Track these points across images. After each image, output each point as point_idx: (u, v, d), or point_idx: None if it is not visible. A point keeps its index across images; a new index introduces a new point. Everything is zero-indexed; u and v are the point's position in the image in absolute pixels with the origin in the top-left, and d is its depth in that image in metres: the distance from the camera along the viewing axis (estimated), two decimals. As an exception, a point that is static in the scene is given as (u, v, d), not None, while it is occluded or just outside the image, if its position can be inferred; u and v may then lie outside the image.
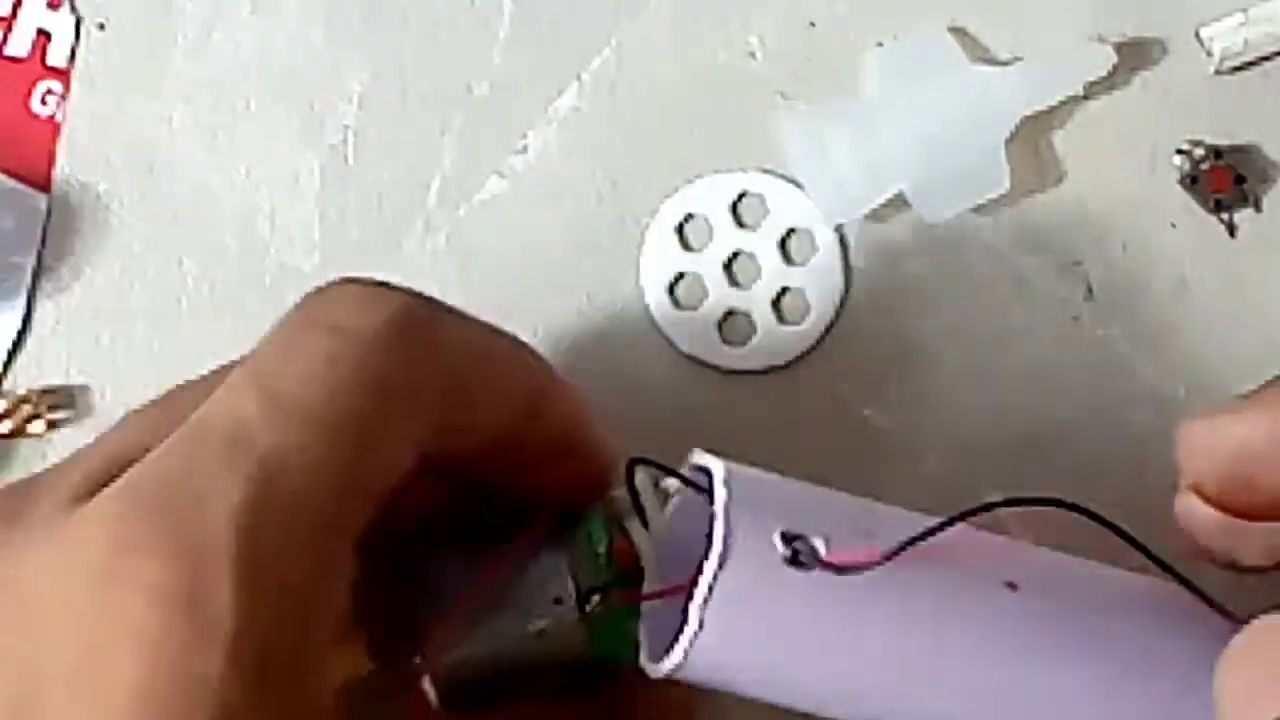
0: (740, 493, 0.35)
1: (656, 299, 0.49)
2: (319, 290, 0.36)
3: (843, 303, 0.49)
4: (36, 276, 0.50)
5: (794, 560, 0.34)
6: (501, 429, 0.37)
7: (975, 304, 0.49)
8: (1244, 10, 0.49)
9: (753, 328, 0.49)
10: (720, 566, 0.34)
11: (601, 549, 0.38)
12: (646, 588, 0.37)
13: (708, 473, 0.36)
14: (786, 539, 0.34)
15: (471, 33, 0.51)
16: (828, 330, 0.49)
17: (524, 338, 0.49)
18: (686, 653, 0.34)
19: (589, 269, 0.50)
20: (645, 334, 0.49)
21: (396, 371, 0.34)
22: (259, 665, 0.30)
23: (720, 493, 0.35)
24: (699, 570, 0.34)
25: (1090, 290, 0.49)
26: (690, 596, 0.34)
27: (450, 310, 0.37)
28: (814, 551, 0.34)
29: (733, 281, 0.49)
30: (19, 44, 0.50)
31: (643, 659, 0.36)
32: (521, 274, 0.50)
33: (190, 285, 0.50)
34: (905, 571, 0.34)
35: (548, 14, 0.51)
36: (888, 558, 0.34)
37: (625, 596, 0.37)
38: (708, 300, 0.49)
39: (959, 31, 0.50)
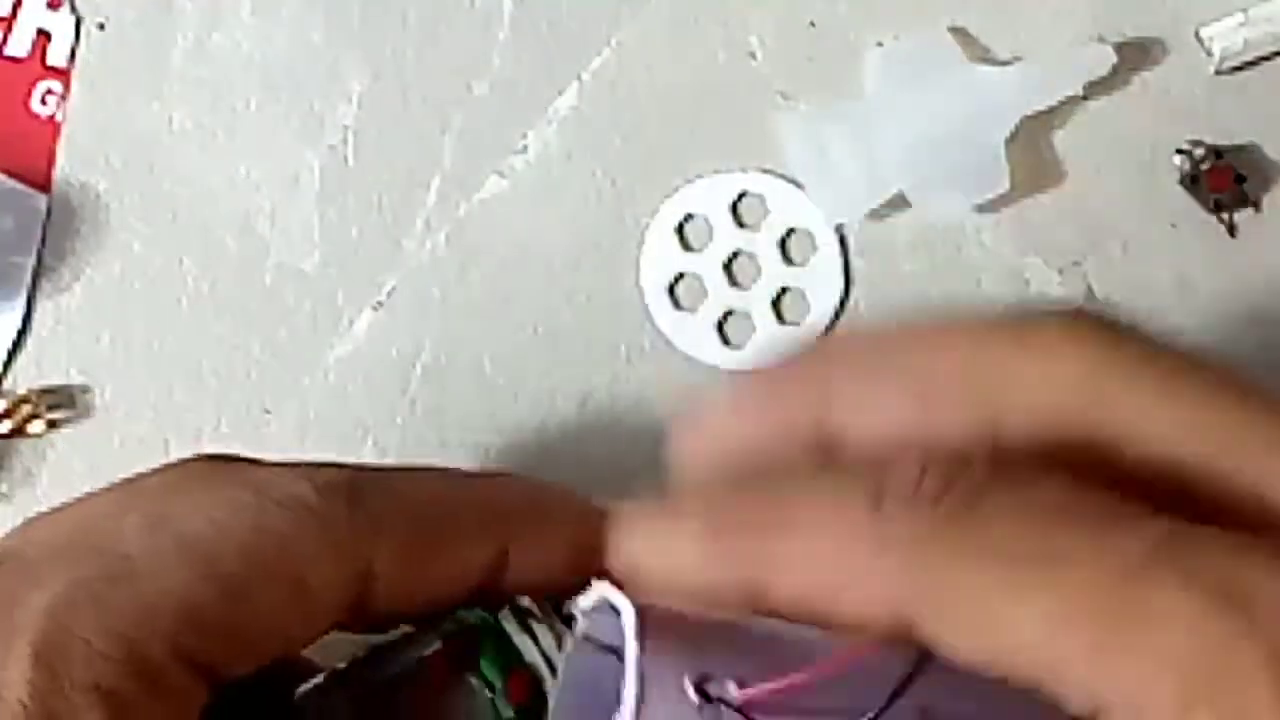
0: (650, 638, 0.33)
1: (656, 299, 0.49)
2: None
3: (843, 303, 0.49)
4: (36, 276, 0.50)
5: (705, 705, 0.33)
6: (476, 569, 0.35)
7: (975, 304, 0.49)
8: (1244, 10, 0.49)
9: (753, 328, 0.49)
10: (635, 716, 0.32)
11: (498, 688, 0.35)
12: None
13: (612, 609, 0.35)
14: (698, 686, 0.33)
15: (471, 33, 0.51)
16: (828, 330, 0.49)
17: (524, 337, 0.50)
18: None
19: (589, 269, 0.50)
20: (645, 334, 0.49)
21: (299, 538, 0.33)
22: None
23: (631, 646, 0.33)
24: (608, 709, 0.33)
25: (1090, 290, 0.49)
26: None
27: (392, 484, 0.36)
28: (724, 696, 0.33)
29: (733, 281, 0.49)
30: (19, 44, 0.50)
31: None
32: (521, 274, 0.50)
33: (190, 285, 0.50)
34: (815, 698, 0.33)
35: (548, 14, 0.51)
36: (795, 687, 0.33)
37: None
38: (708, 300, 0.49)
39: (959, 31, 0.50)
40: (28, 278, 0.50)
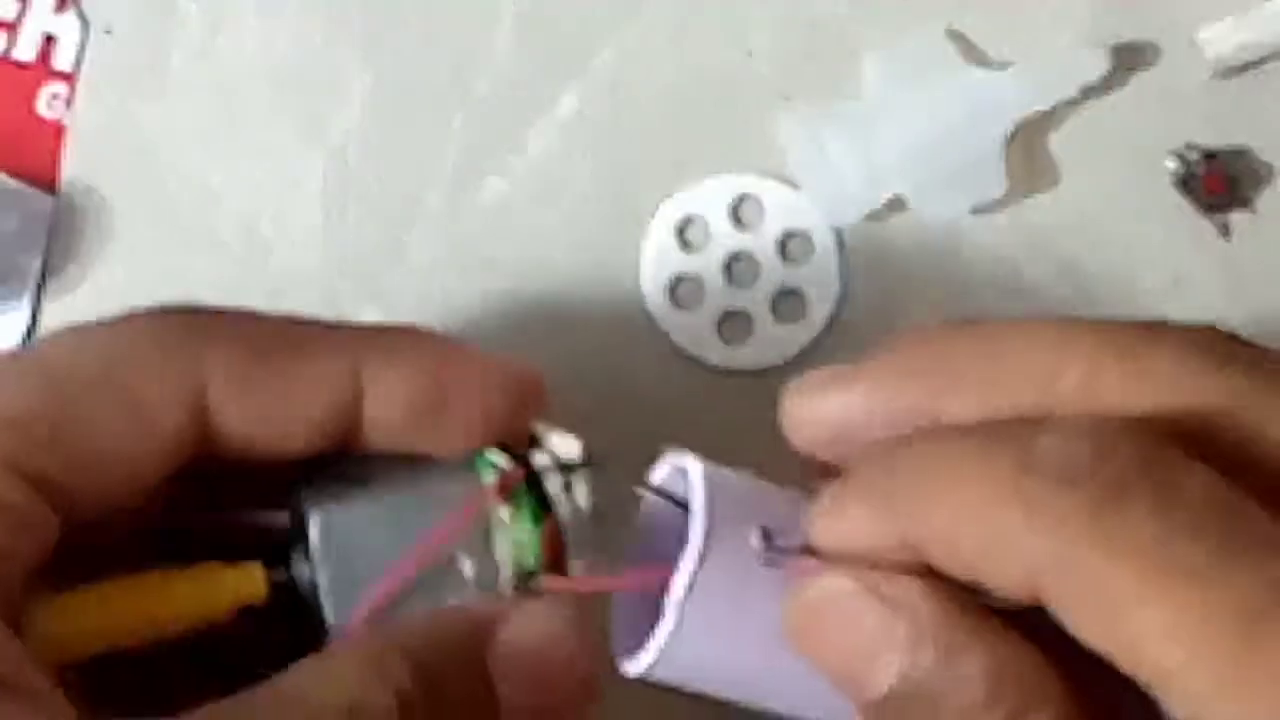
0: (717, 490, 0.34)
1: (656, 299, 0.50)
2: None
3: (842, 303, 0.49)
4: (42, 277, 0.50)
5: (770, 557, 0.34)
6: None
7: (972, 305, 0.49)
8: (1239, 14, 0.49)
9: (752, 328, 0.50)
10: (700, 563, 0.33)
11: (531, 534, 0.36)
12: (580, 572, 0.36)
13: (681, 471, 0.35)
14: (764, 535, 0.34)
15: (471, 33, 0.51)
16: (827, 330, 0.49)
17: (524, 337, 0.50)
18: (662, 650, 0.33)
19: (589, 269, 0.50)
20: (645, 334, 0.49)
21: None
22: None
23: (699, 487, 0.34)
24: (668, 567, 0.34)
25: (1086, 291, 0.49)
26: (663, 592, 0.33)
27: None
28: (789, 548, 0.34)
29: (732, 282, 0.50)
30: (25, 48, 0.51)
31: (615, 656, 0.35)
32: (521, 274, 0.50)
33: (194, 285, 0.50)
34: None
35: (548, 14, 0.51)
36: None
37: (554, 583, 0.36)
38: (707, 300, 0.50)
39: (957, 35, 0.50)
40: (34, 278, 0.50)
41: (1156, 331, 0.31)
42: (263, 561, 0.35)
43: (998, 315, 0.49)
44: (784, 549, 0.34)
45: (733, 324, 0.50)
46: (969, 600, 0.30)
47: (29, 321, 0.50)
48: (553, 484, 0.37)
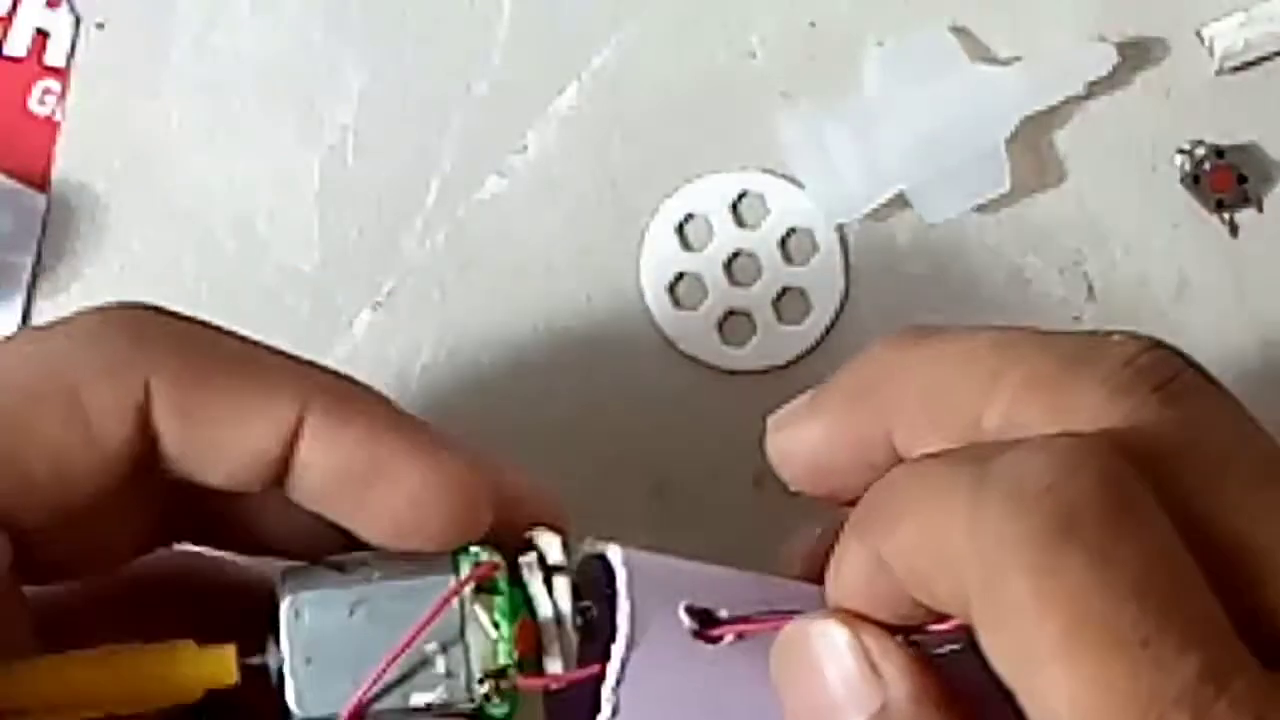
0: (641, 571, 0.34)
1: (656, 299, 0.49)
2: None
3: (843, 303, 0.49)
4: (35, 276, 0.50)
5: (701, 632, 0.34)
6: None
7: (975, 304, 0.49)
8: (1245, 10, 0.49)
9: (753, 328, 0.49)
10: (629, 647, 0.33)
11: (505, 630, 0.35)
12: (549, 669, 0.35)
13: (603, 560, 0.35)
14: (692, 612, 0.34)
15: (471, 33, 0.51)
16: (828, 330, 0.49)
17: (524, 337, 0.49)
18: None
19: (589, 269, 0.50)
20: (645, 334, 0.49)
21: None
22: None
23: (621, 572, 0.34)
24: (605, 654, 0.33)
25: (1091, 290, 0.49)
26: (599, 679, 0.33)
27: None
28: (720, 621, 0.34)
29: (733, 281, 0.49)
30: (17, 43, 0.50)
31: None
32: (521, 274, 0.50)
33: (189, 285, 0.50)
34: None
35: (548, 14, 0.51)
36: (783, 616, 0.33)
37: (527, 680, 0.35)
38: (708, 300, 0.49)
39: (960, 31, 0.50)
40: (26, 277, 0.50)
41: (1082, 362, 0.30)
42: (239, 643, 0.34)
43: (1000, 312, 0.49)
44: (720, 624, 0.34)
45: (733, 324, 0.49)
46: (945, 691, 0.30)
47: (20, 321, 0.49)
48: (534, 582, 0.35)
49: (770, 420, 0.35)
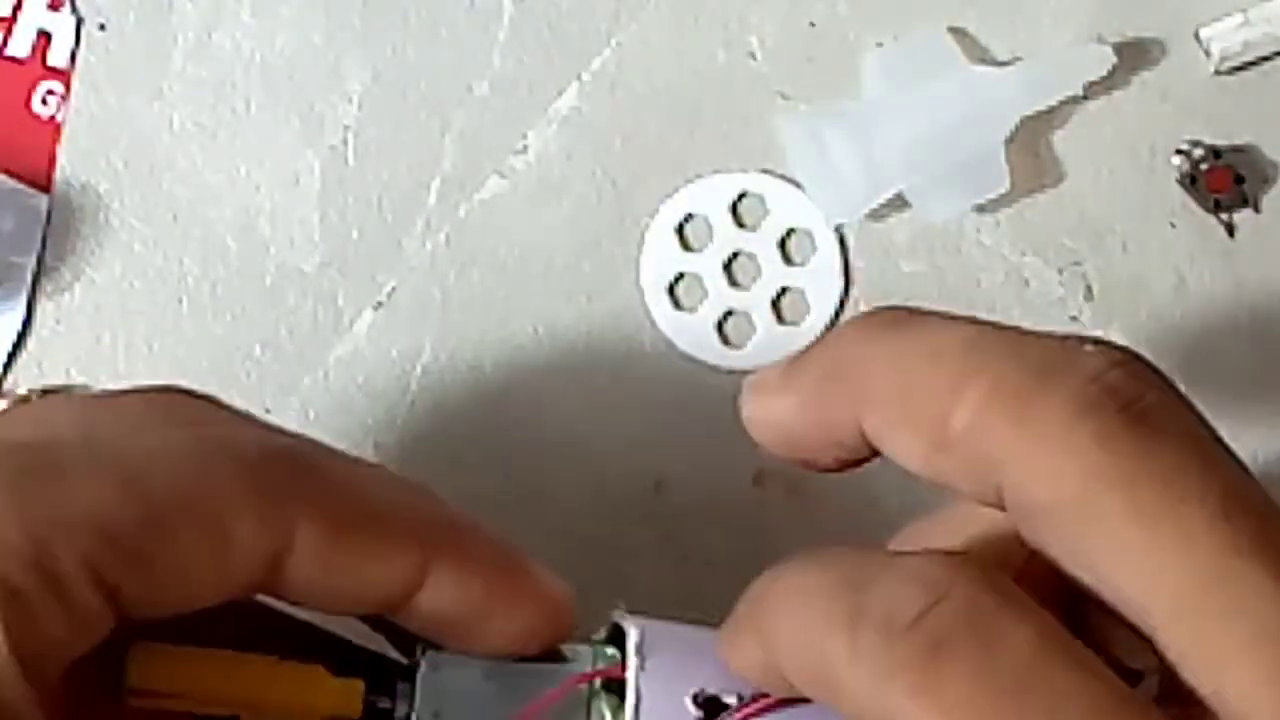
0: (654, 653, 0.35)
1: (656, 299, 0.49)
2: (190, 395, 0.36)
3: (843, 303, 0.49)
4: (37, 277, 0.50)
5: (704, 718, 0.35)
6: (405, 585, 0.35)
7: (975, 304, 0.49)
8: (1243, 11, 0.49)
9: (753, 328, 0.49)
10: None
11: None
12: None
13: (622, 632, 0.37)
14: (698, 701, 0.35)
15: (471, 33, 0.51)
16: (827, 330, 0.49)
17: (524, 337, 0.50)
18: None
19: (589, 269, 0.50)
20: (645, 334, 0.49)
21: (225, 483, 0.34)
22: None
23: (632, 661, 0.36)
24: None
25: (1090, 290, 0.49)
26: None
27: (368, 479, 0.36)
28: (725, 708, 0.35)
29: (733, 282, 0.49)
30: (20, 44, 0.50)
31: None
32: (521, 274, 0.50)
33: (190, 285, 0.50)
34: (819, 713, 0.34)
35: (548, 14, 0.51)
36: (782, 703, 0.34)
37: None
38: (708, 300, 0.49)
39: (959, 32, 0.50)
40: (28, 278, 0.50)
41: (1050, 374, 0.30)
42: (366, 682, 0.36)
43: (1002, 310, 0.49)
44: (725, 710, 0.35)
45: (733, 324, 0.49)
46: None
47: (24, 321, 0.49)
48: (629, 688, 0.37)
49: (745, 383, 0.35)
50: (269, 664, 0.36)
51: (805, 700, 0.33)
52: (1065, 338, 0.31)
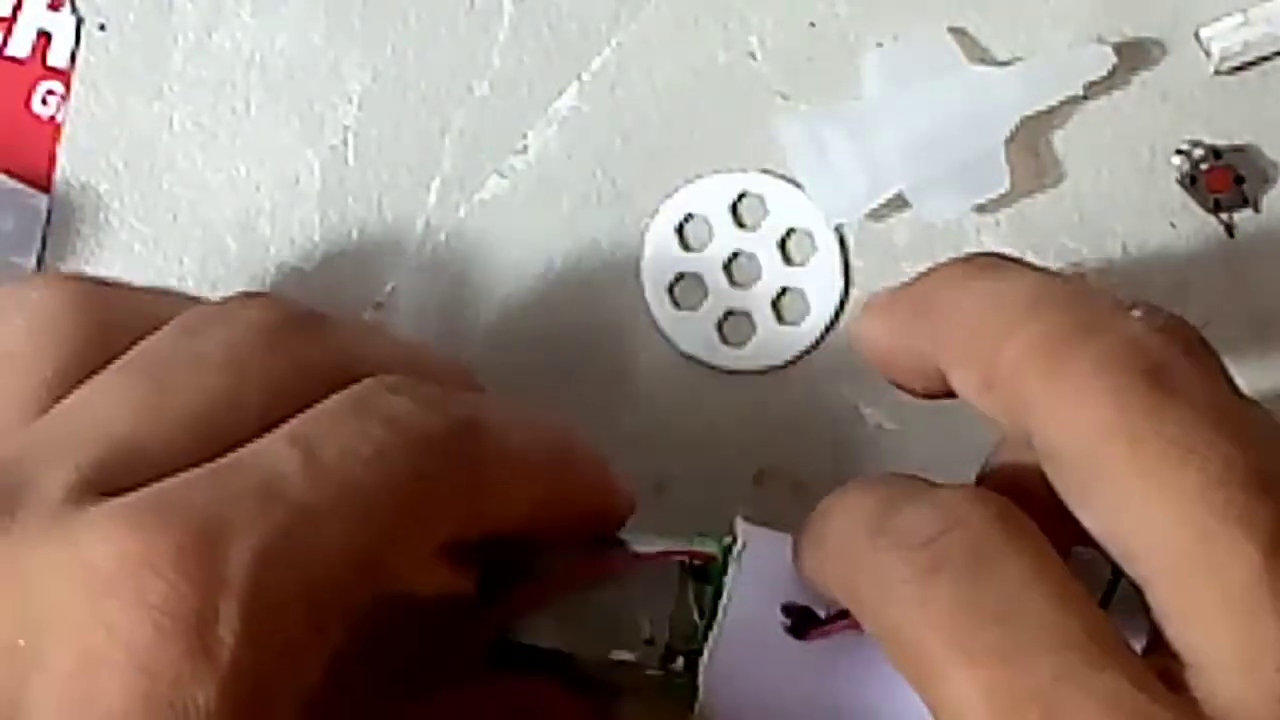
0: (751, 562, 0.38)
1: (656, 299, 0.49)
2: (379, 381, 0.36)
3: (843, 303, 0.49)
4: (37, 277, 0.50)
5: (794, 630, 0.37)
6: (532, 508, 0.37)
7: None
8: (1243, 11, 0.49)
9: (753, 328, 0.49)
10: (722, 636, 0.37)
11: (707, 618, 0.39)
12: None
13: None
14: (788, 610, 0.37)
15: (471, 33, 0.51)
16: (828, 330, 0.49)
17: (524, 337, 0.50)
18: (698, 712, 0.37)
19: (589, 269, 0.50)
20: (645, 334, 0.49)
21: (441, 479, 0.34)
22: (247, 706, 0.30)
23: (731, 568, 0.37)
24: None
25: (1090, 290, 0.49)
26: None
27: (498, 414, 0.37)
28: (814, 621, 0.36)
29: (732, 282, 0.49)
30: (20, 44, 0.50)
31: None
32: (521, 274, 0.50)
33: (191, 285, 0.50)
34: None
35: (548, 14, 0.51)
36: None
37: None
38: (708, 300, 0.49)
39: (959, 32, 0.50)
40: (28, 278, 0.50)
41: (1090, 331, 0.32)
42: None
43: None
44: (809, 623, 0.36)
45: (733, 324, 0.49)
46: None
47: (24, 321, 0.50)
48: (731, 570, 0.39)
49: (866, 301, 0.39)
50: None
51: None
52: (1124, 302, 0.33)
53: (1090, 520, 0.31)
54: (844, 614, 0.36)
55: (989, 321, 0.33)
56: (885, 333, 0.37)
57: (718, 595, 0.38)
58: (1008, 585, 0.30)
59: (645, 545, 0.40)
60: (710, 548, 0.39)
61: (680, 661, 0.38)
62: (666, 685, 0.38)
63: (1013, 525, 0.31)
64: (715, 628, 0.37)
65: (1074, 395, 0.31)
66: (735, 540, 0.39)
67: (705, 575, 0.39)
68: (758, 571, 0.38)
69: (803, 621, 0.37)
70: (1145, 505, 0.30)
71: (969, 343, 0.34)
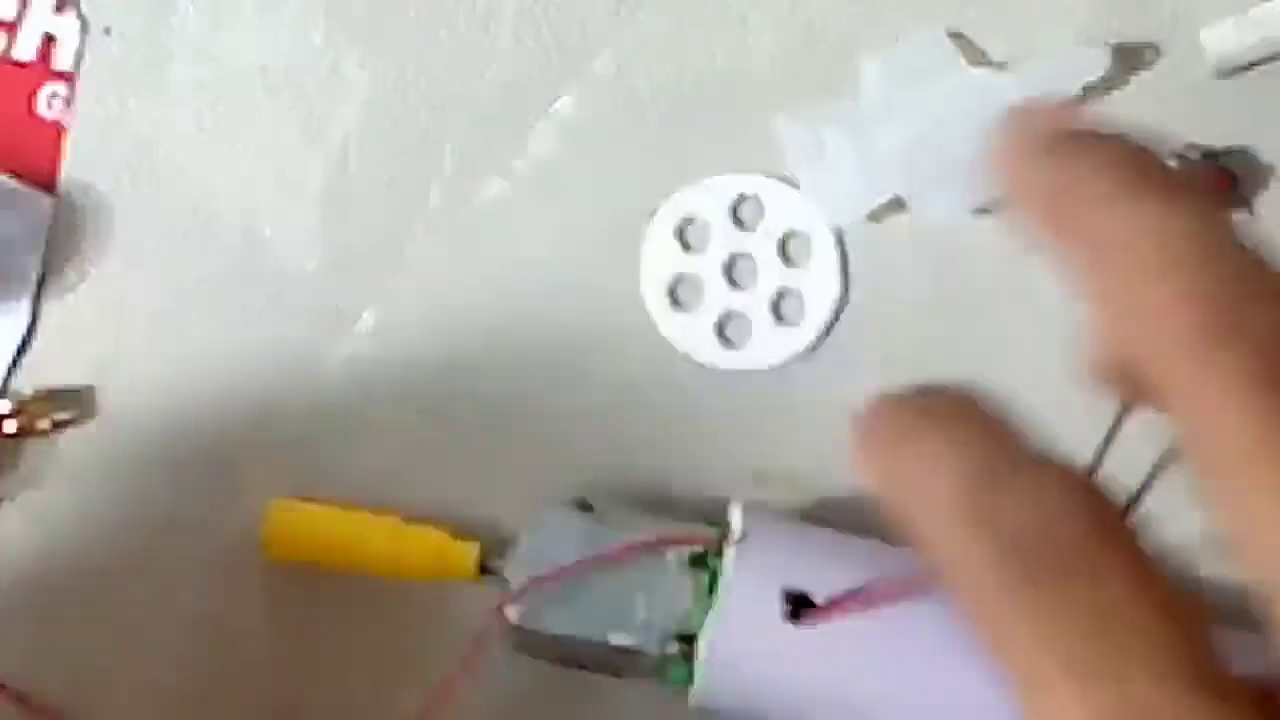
0: (752, 549, 0.38)
1: (656, 299, 0.50)
2: None
3: (841, 304, 0.49)
4: (42, 277, 0.50)
5: (793, 615, 0.37)
6: None
7: (975, 304, 0.49)
8: (1242, 13, 0.49)
9: (752, 328, 0.49)
10: (720, 621, 0.37)
11: (704, 603, 0.39)
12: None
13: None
14: (786, 595, 0.36)
15: (471, 33, 0.51)
16: (827, 331, 0.49)
17: (524, 338, 0.50)
18: (697, 695, 0.38)
19: (589, 269, 0.50)
20: (645, 334, 0.50)
21: None
22: None
23: (729, 554, 0.38)
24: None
25: (1086, 291, 0.49)
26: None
27: None
28: (812, 607, 0.37)
29: (732, 283, 0.50)
30: (25, 48, 0.51)
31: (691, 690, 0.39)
32: (521, 274, 0.50)
33: (193, 285, 0.50)
34: (905, 619, 0.36)
35: (548, 15, 0.51)
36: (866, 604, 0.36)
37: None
38: (706, 301, 0.50)
39: (957, 35, 0.50)
40: (34, 279, 0.50)
41: (1235, 330, 0.30)
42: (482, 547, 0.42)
43: (1000, 311, 0.49)
44: (807, 609, 0.37)
45: (733, 324, 0.50)
46: None
47: (29, 321, 0.50)
48: (727, 554, 0.40)
49: (1013, 109, 0.35)
50: (394, 525, 0.42)
51: (888, 604, 0.35)
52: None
53: (1213, 510, 0.30)
54: (842, 600, 0.36)
55: (1150, 263, 0.30)
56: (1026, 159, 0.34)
57: (714, 581, 0.39)
58: (1113, 597, 0.30)
59: (643, 533, 0.41)
60: (707, 534, 0.40)
61: (677, 646, 0.38)
62: (664, 668, 0.39)
63: (1111, 525, 0.30)
64: (714, 612, 0.37)
65: (1227, 401, 0.30)
66: (731, 526, 0.39)
67: (703, 561, 0.39)
68: (756, 557, 0.38)
69: (801, 606, 0.37)
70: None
71: (1119, 279, 0.31)
